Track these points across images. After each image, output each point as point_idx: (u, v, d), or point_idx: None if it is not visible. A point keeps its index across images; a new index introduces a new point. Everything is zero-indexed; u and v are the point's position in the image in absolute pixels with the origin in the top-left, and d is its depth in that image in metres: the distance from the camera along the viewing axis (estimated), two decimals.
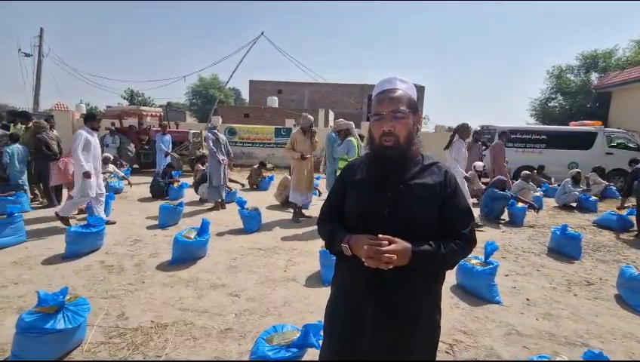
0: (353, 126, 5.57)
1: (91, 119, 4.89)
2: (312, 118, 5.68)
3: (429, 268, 1.15)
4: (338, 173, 5.03)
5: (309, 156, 5.67)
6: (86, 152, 4.69)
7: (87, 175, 4.64)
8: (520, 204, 6.08)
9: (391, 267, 1.04)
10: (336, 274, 1.32)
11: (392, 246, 1.04)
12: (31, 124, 6.20)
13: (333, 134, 5.80)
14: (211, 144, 6.12)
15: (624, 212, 6.01)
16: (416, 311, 1.17)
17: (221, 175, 6.17)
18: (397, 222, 1.11)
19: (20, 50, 18.14)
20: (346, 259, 1.17)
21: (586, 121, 11.33)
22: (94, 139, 4.84)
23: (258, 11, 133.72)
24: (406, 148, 1.15)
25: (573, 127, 11.00)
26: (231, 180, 8.00)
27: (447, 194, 1.17)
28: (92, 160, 4.78)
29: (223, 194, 6.40)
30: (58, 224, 4.90)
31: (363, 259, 1.06)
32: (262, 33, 14.11)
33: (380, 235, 1.06)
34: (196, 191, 7.20)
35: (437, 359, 2.26)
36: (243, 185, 8.38)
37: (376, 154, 1.18)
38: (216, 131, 6.31)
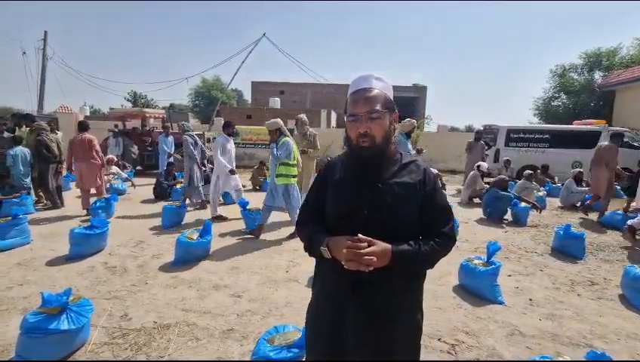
0: (282, 123, 4.84)
1: (227, 126, 5.55)
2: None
3: (410, 268, 1.14)
4: (279, 182, 4.57)
5: (305, 151, 5.70)
6: (223, 155, 5.41)
7: (232, 172, 5.58)
8: (523, 204, 6.06)
9: (371, 269, 1.03)
10: (316, 276, 1.31)
11: (372, 248, 1.03)
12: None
13: (398, 136, 5.43)
14: (191, 147, 6.17)
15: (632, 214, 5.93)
16: (397, 310, 1.16)
17: (197, 176, 6.29)
18: (376, 221, 1.11)
19: (24, 52, 18.27)
20: (325, 262, 1.15)
21: (589, 120, 11.26)
22: (230, 144, 5.56)
23: (259, 12, 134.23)
24: (383, 148, 1.14)
25: (577, 126, 10.94)
26: None
27: (427, 192, 1.16)
28: (227, 161, 5.54)
29: (203, 194, 6.50)
30: (62, 226, 4.94)
31: (343, 262, 1.05)
32: (264, 34, 14.16)
33: (360, 236, 1.04)
34: None
35: (439, 359, 2.27)
36: (244, 186, 8.38)
37: (354, 155, 1.17)
38: (192, 134, 6.37)
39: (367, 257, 1.01)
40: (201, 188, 6.38)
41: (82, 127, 5.91)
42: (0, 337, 2.36)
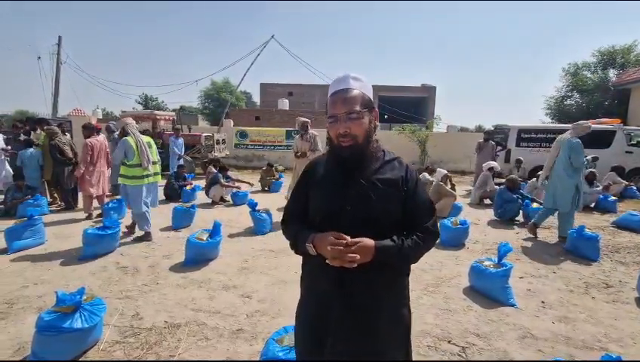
0: (131, 122, 4.61)
1: None
2: (304, 119, 5.97)
3: (394, 263, 1.15)
4: (120, 181, 4.45)
5: (305, 153, 5.98)
6: None
7: None
8: (535, 205, 5.96)
9: (355, 265, 1.05)
10: (303, 273, 1.33)
11: (356, 245, 1.05)
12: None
13: (574, 140, 4.80)
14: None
15: None
16: (381, 306, 1.17)
17: None
18: (360, 218, 1.12)
19: (39, 57, 18.73)
20: (311, 259, 1.18)
21: (604, 119, 11.01)
22: None
23: (268, 14, 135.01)
24: (364, 147, 1.16)
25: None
26: (240, 181, 8.13)
27: (409, 188, 1.18)
28: None
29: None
30: (75, 226, 5.03)
31: (327, 259, 1.07)
32: (272, 36, 14.21)
33: (343, 235, 1.06)
34: (207, 193, 7.28)
35: (449, 360, 2.24)
36: (252, 184, 8.46)
37: (335, 154, 1.20)
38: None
39: (350, 254, 1.03)
40: None
41: (88, 129, 5.84)
42: (16, 335, 2.42)
